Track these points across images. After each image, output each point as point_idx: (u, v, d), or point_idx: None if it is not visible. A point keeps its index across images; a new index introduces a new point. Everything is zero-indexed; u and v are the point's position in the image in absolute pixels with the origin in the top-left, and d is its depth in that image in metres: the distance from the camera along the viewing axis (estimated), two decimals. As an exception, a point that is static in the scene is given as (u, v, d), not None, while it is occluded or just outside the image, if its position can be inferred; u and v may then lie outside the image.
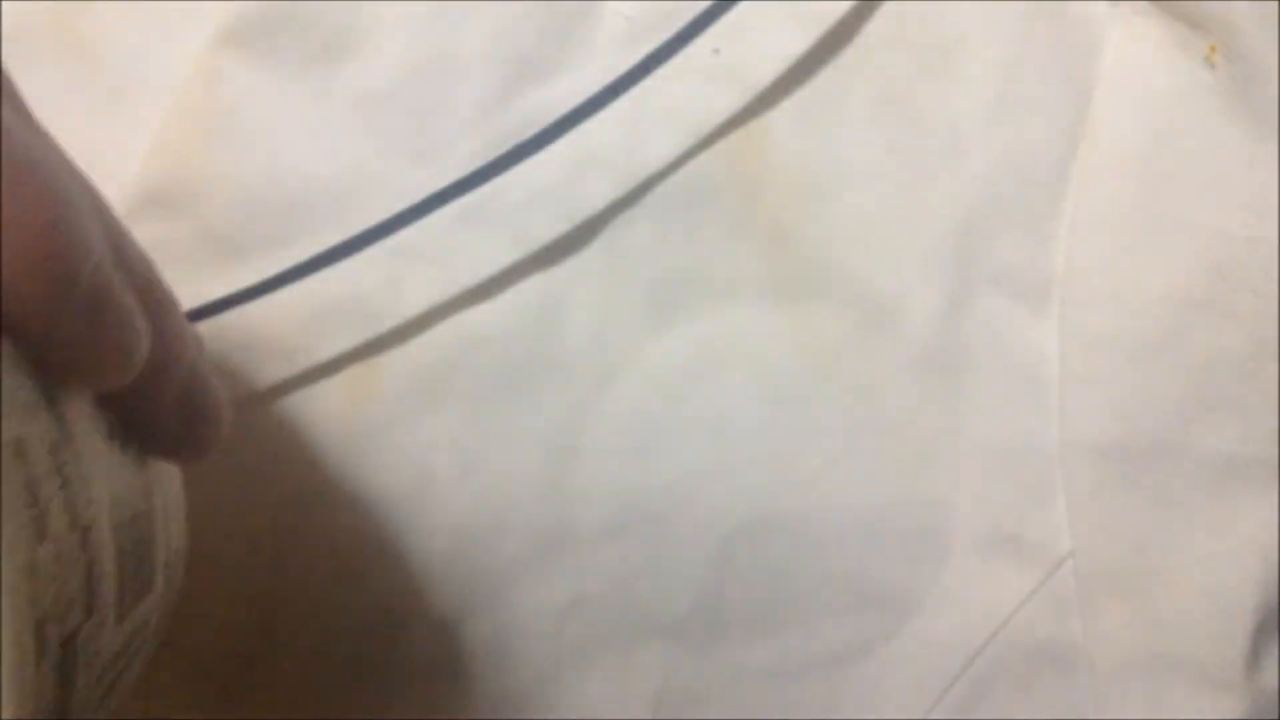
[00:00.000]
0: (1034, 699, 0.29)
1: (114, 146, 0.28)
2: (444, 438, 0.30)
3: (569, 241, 0.30)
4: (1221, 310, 0.29)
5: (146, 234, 0.20)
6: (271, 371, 0.29)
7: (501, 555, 0.30)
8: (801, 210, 0.30)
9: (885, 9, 0.30)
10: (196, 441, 0.20)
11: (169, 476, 0.22)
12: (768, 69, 0.29)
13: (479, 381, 0.30)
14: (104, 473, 0.18)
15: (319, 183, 0.29)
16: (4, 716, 0.13)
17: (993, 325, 0.30)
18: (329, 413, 0.30)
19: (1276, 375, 0.28)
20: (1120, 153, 0.30)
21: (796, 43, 0.30)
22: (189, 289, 0.27)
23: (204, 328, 0.28)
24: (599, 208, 0.29)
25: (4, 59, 0.17)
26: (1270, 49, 0.28)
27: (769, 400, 0.30)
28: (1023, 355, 0.30)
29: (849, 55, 0.30)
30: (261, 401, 0.29)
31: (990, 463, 0.30)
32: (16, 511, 0.14)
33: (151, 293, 0.19)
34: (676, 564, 0.30)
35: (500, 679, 0.30)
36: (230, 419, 0.21)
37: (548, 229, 0.29)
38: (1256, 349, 0.28)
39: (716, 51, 0.29)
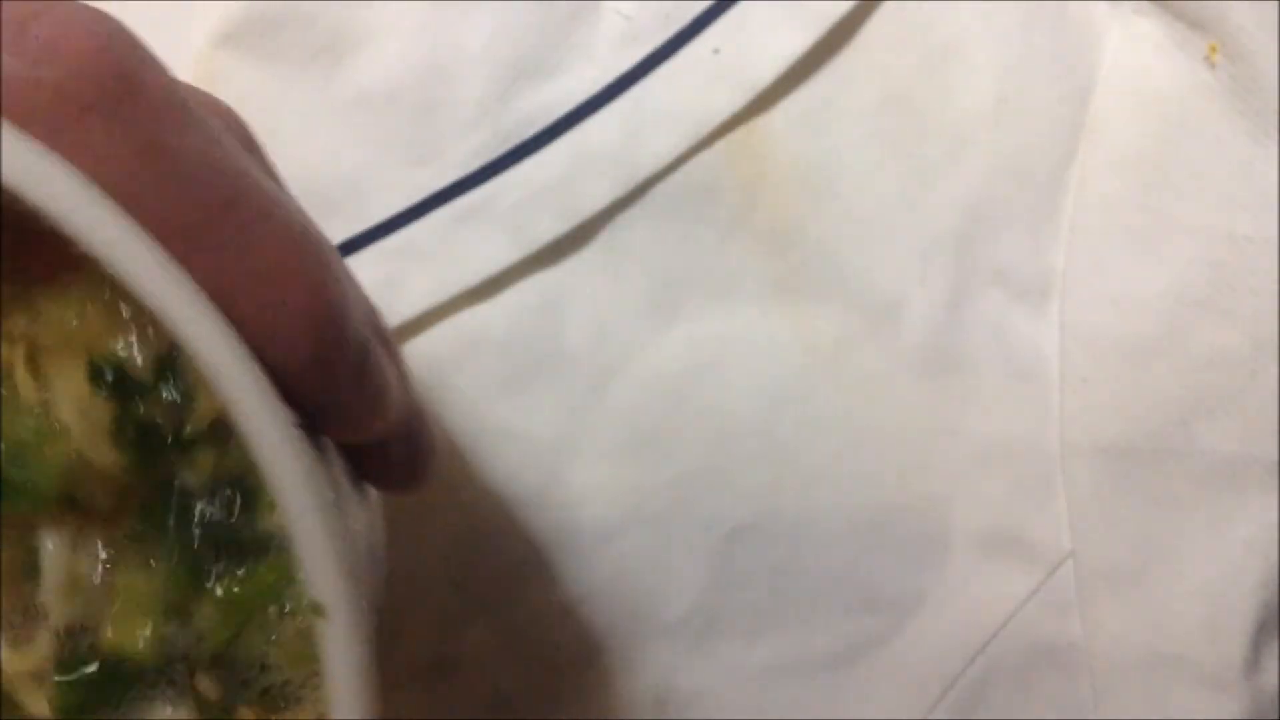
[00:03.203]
0: (1034, 699, 0.29)
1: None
2: (444, 437, 0.30)
3: (569, 241, 0.30)
4: (1221, 310, 0.29)
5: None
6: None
7: (503, 555, 0.30)
8: (801, 210, 0.30)
9: (885, 9, 0.30)
10: (418, 476, 0.20)
11: (379, 502, 0.22)
12: (768, 69, 0.29)
13: (479, 381, 0.30)
14: (359, 524, 0.18)
15: (319, 182, 0.29)
16: None
17: (992, 324, 0.30)
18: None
19: (1276, 375, 0.28)
20: (1120, 153, 0.30)
21: (796, 43, 0.30)
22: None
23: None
24: (599, 208, 0.29)
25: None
26: (1270, 49, 0.28)
27: (769, 399, 0.30)
28: (1022, 355, 0.30)
29: (849, 55, 0.30)
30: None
31: (990, 463, 0.30)
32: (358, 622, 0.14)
33: (385, 341, 0.19)
34: (676, 564, 0.30)
35: (500, 679, 0.30)
36: (444, 448, 0.21)
37: (548, 229, 0.29)
38: (1256, 349, 0.28)
39: (716, 51, 0.29)
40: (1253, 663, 0.28)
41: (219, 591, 0.14)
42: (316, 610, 0.14)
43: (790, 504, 0.30)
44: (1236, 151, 0.29)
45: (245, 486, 0.14)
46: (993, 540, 0.30)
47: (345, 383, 0.16)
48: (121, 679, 0.14)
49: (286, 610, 0.14)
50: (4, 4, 0.14)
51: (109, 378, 0.14)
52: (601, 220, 0.30)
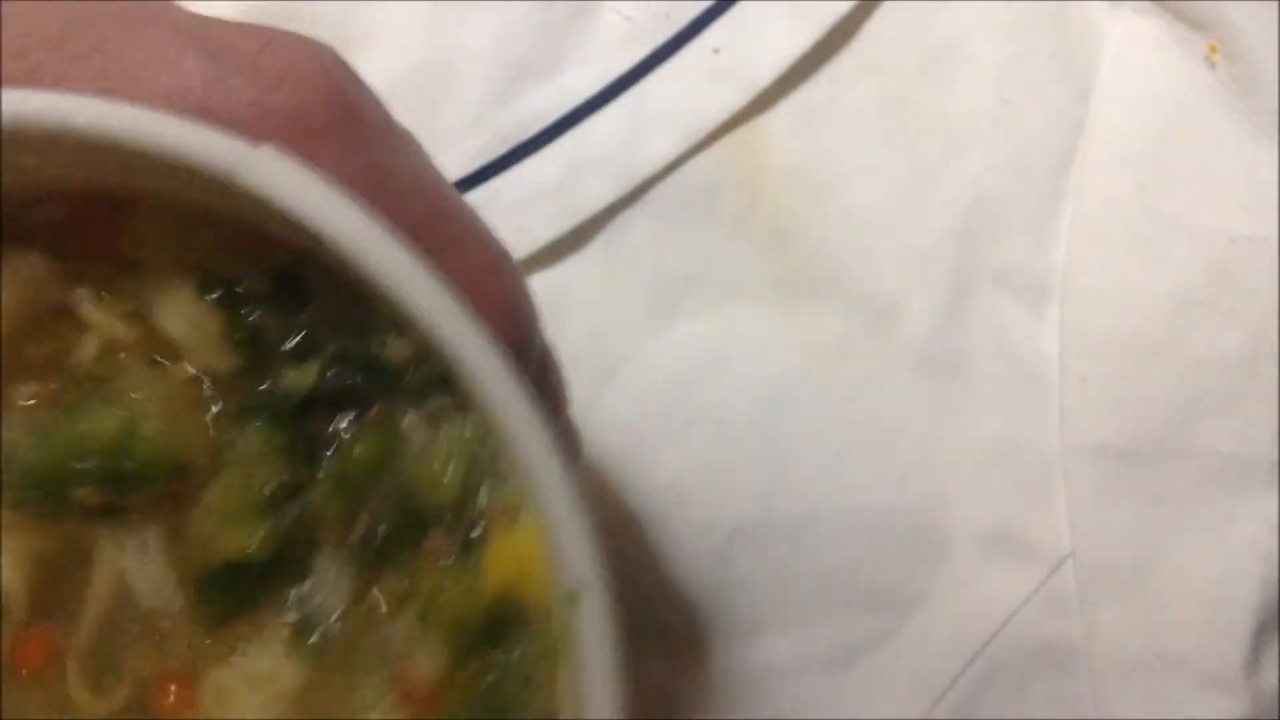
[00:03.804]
0: (1034, 699, 0.29)
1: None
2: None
3: (569, 241, 0.30)
4: (1221, 310, 0.29)
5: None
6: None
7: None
8: (801, 210, 0.30)
9: (885, 9, 0.30)
10: None
11: None
12: (768, 69, 0.29)
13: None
14: None
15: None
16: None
17: (993, 325, 0.30)
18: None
19: (1276, 375, 0.28)
20: (1120, 153, 0.30)
21: (796, 43, 0.30)
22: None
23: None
24: (599, 208, 0.29)
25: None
26: (1270, 49, 0.28)
27: (769, 399, 0.30)
28: (1023, 355, 0.30)
29: (849, 55, 0.30)
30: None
31: (990, 463, 0.30)
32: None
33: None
34: (677, 564, 0.30)
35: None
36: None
37: (548, 229, 0.29)
38: (1256, 349, 0.28)
39: (716, 51, 0.29)
40: (1253, 663, 0.28)
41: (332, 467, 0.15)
42: (572, 597, 0.14)
43: (790, 504, 0.30)
44: (1236, 151, 0.29)
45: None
46: (993, 540, 0.30)
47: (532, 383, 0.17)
48: (250, 573, 0.15)
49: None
50: (236, 36, 0.15)
51: (216, 291, 0.15)
52: (601, 220, 0.30)
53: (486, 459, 0.15)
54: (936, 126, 0.30)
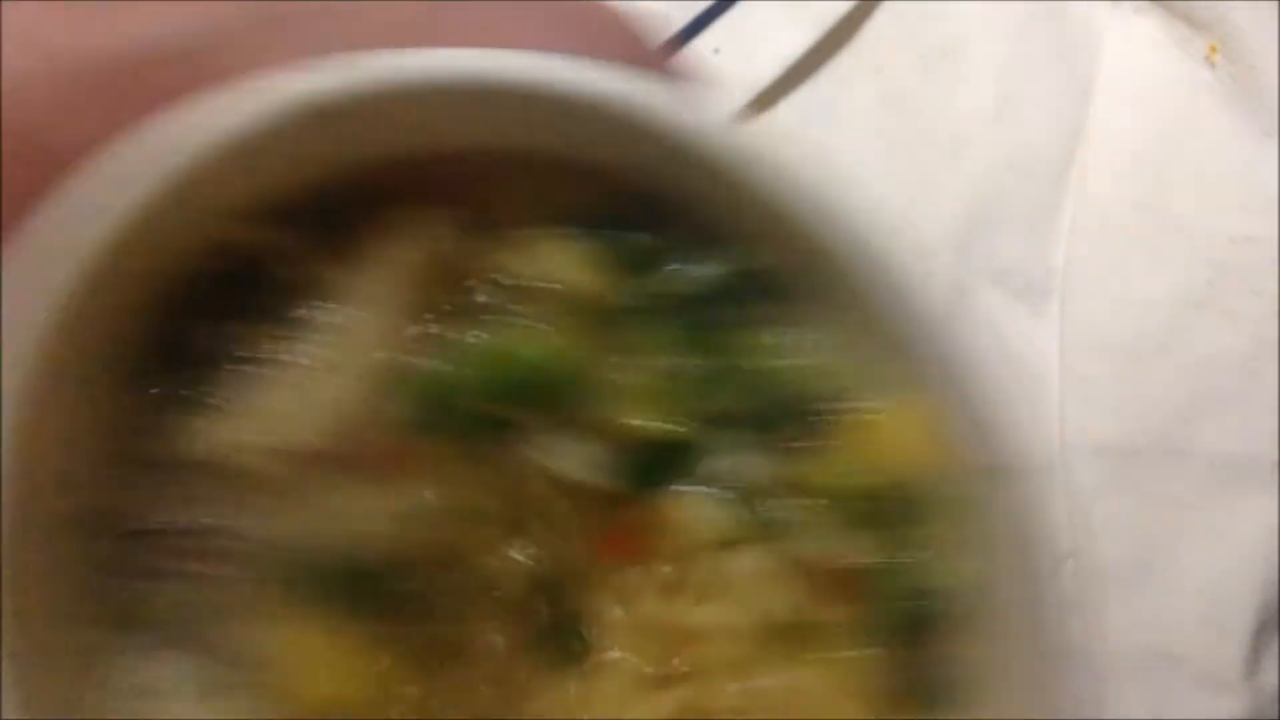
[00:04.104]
0: (1034, 699, 0.29)
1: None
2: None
3: (569, 241, 0.30)
4: (1221, 310, 0.29)
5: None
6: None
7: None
8: (801, 210, 0.30)
9: (885, 9, 0.30)
10: None
11: None
12: (768, 69, 0.29)
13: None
14: None
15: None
16: None
17: (992, 324, 0.30)
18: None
19: (1276, 375, 0.28)
20: (1120, 153, 0.30)
21: (796, 43, 0.30)
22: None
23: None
24: (599, 208, 0.29)
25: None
26: (1270, 49, 0.28)
27: (769, 400, 0.30)
28: (1023, 355, 0.30)
29: (849, 55, 0.30)
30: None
31: (990, 463, 0.30)
32: None
33: None
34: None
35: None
36: None
37: (548, 229, 0.29)
38: (1256, 349, 0.28)
39: (716, 51, 0.29)
40: (1253, 663, 0.28)
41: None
42: (992, 476, 0.15)
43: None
44: (1236, 151, 0.29)
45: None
46: (993, 540, 0.30)
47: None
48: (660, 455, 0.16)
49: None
50: (556, 3, 0.16)
51: (575, 225, 0.16)
52: (602, 220, 0.30)
53: (862, 353, 0.15)
54: (936, 126, 0.30)
